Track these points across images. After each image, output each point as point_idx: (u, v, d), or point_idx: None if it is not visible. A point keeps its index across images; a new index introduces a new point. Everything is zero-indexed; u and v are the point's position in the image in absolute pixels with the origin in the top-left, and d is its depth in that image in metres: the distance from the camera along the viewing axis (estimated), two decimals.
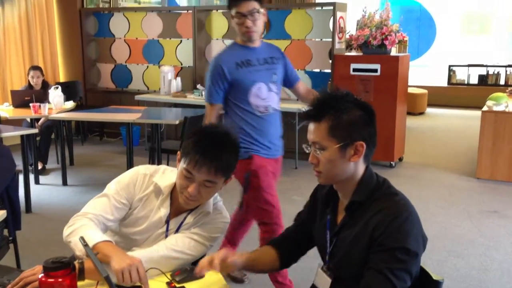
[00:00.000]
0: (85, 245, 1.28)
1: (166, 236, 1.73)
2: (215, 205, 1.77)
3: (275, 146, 2.79)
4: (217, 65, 2.65)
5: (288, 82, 2.91)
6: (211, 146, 1.62)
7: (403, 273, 1.38)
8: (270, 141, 2.75)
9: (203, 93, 6.22)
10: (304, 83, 3.02)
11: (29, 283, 1.43)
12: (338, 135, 1.44)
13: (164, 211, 1.73)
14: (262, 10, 2.59)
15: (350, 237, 1.47)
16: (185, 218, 1.74)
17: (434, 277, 1.51)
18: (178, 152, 1.71)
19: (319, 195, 1.65)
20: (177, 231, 1.74)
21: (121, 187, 1.74)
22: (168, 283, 1.52)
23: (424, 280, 1.51)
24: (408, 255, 1.38)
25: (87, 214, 1.67)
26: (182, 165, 1.64)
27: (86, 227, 1.60)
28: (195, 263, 1.67)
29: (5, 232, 2.66)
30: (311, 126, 1.49)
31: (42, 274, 1.26)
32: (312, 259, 1.74)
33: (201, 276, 1.54)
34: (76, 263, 1.42)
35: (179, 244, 1.67)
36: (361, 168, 1.50)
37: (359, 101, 1.50)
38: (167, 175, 1.77)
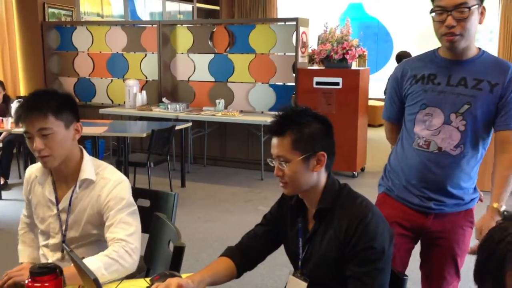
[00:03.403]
0: (70, 251, 1.33)
1: (59, 216, 1.80)
2: (99, 173, 1.81)
3: (416, 191, 1.95)
4: (395, 71, 2.04)
5: (494, 122, 1.88)
6: (29, 99, 1.73)
7: (377, 272, 1.49)
8: (415, 186, 1.95)
9: (169, 107, 6.26)
10: None
11: (13, 277, 1.51)
12: (301, 148, 1.54)
13: (48, 189, 1.82)
14: (477, 4, 1.75)
15: (323, 243, 1.57)
16: (73, 192, 1.79)
17: (398, 274, 1.62)
18: None
19: (287, 202, 1.72)
20: (69, 206, 1.79)
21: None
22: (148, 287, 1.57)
23: (391, 277, 1.62)
24: (377, 254, 1.49)
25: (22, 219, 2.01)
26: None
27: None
28: (173, 268, 1.73)
29: None
30: (275, 141, 1.58)
31: (29, 279, 1.29)
32: (281, 266, 1.81)
33: None
34: None
35: (120, 233, 1.70)
36: (323, 177, 1.60)
37: (317, 115, 1.60)
38: None
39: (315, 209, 1.60)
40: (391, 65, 11.60)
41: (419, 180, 1.94)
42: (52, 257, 1.82)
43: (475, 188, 2.01)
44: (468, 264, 1.45)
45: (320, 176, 1.59)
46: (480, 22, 1.81)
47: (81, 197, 1.80)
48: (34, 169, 1.89)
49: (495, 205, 1.85)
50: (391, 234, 1.56)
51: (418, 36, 11.43)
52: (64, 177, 1.81)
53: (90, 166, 1.80)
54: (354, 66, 6.14)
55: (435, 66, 1.90)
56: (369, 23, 11.46)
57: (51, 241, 1.84)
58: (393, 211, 1.99)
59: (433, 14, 1.80)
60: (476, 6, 1.76)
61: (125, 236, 1.69)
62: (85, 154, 1.84)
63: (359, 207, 1.55)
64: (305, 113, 1.59)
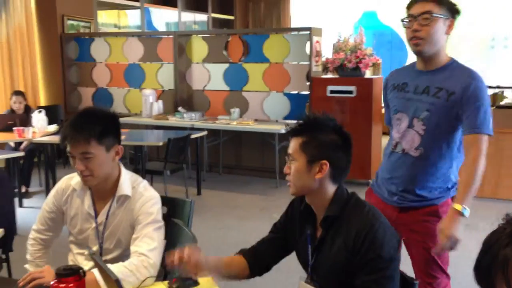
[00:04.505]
0: (93, 253, 1.40)
1: (97, 229, 1.87)
2: (135, 188, 1.89)
3: (386, 185, 2.17)
4: (385, 79, 2.30)
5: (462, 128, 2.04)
6: (75, 121, 1.79)
7: (385, 279, 1.52)
8: (386, 181, 2.17)
9: (185, 116, 6.36)
10: (476, 146, 1.96)
11: (36, 279, 1.59)
12: (308, 151, 1.61)
13: (87, 203, 1.89)
14: (442, 15, 1.98)
15: (332, 251, 1.61)
16: (110, 206, 1.87)
17: (408, 278, 1.66)
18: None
19: (296, 209, 1.77)
20: (106, 220, 1.87)
21: (50, 196, 1.98)
22: None
23: (401, 282, 1.65)
24: (385, 262, 1.52)
25: (31, 234, 2.04)
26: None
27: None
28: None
29: None
30: (291, 140, 1.66)
31: (55, 280, 1.37)
32: (294, 273, 1.86)
33: (196, 283, 1.66)
34: None
35: (143, 247, 1.77)
36: (329, 187, 1.63)
37: (338, 128, 1.64)
38: None
39: (322, 216, 1.65)
40: None
41: (389, 177, 2.15)
42: (86, 266, 1.87)
43: (448, 188, 2.10)
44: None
45: (324, 185, 1.62)
46: (447, 33, 2.02)
47: (118, 212, 1.88)
48: (73, 182, 1.94)
49: (456, 206, 1.95)
50: (398, 241, 1.60)
51: None
52: (102, 192, 1.89)
53: (128, 182, 1.89)
54: (368, 74, 6.18)
55: (409, 76, 2.13)
56: (383, 31, 11.48)
57: (87, 252, 1.91)
58: (373, 202, 2.11)
59: (405, 22, 2.03)
60: (442, 16, 1.98)
61: (147, 251, 1.75)
62: (123, 170, 1.92)
63: (366, 217, 1.58)
64: (326, 122, 1.64)
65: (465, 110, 1.97)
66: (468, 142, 2.00)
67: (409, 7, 2.04)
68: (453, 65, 2.05)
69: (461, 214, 1.93)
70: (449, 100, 1.99)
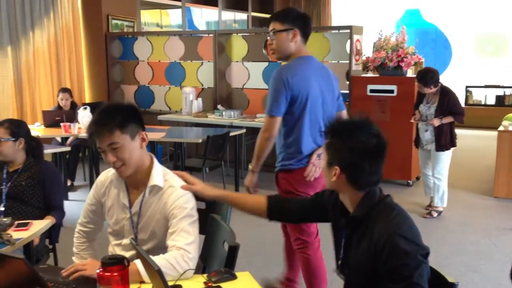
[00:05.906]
0: (136, 244, 1.45)
1: (132, 219, 1.92)
2: (167, 180, 1.93)
3: None
4: None
5: None
6: (97, 118, 1.86)
7: (414, 285, 1.48)
8: None
9: (224, 113, 6.43)
10: (263, 124, 2.86)
11: (79, 271, 1.66)
12: (329, 153, 1.64)
13: (122, 193, 1.95)
14: (281, 30, 2.57)
15: (358, 252, 1.60)
16: (143, 197, 1.91)
17: (449, 279, 1.63)
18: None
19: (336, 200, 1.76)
20: (140, 210, 1.91)
21: (92, 189, 2.06)
22: (205, 283, 1.67)
23: (439, 283, 1.62)
24: (411, 270, 1.48)
25: (76, 228, 2.15)
26: None
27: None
28: (228, 266, 1.82)
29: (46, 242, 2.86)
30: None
31: (101, 269, 1.42)
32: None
33: (234, 277, 1.70)
34: None
35: (180, 242, 1.80)
36: (350, 191, 1.62)
37: (374, 133, 1.58)
38: None
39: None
40: (451, 72, 11.32)
41: None
42: None
43: (283, 159, 2.82)
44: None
45: (342, 187, 1.63)
46: (291, 41, 2.60)
47: (151, 203, 1.92)
48: (109, 174, 2.01)
49: (249, 166, 2.85)
50: (424, 249, 1.53)
51: (476, 42, 11.07)
52: (135, 182, 1.94)
53: (159, 173, 1.92)
54: (410, 73, 6.06)
55: None
56: (426, 29, 11.23)
57: (124, 241, 1.98)
58: None
59: (268, 38, 2.65)
60: (285, 30, 2.56)
61: (185, 245, 1.78)
62: (155, 161, 1.97)
63: (389, 224, 1.53)
64: (359, 128, 1.60)
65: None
66: None
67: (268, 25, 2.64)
68: (290, 61, 2.65)
69: (252, 171, 2.86)
70: None
